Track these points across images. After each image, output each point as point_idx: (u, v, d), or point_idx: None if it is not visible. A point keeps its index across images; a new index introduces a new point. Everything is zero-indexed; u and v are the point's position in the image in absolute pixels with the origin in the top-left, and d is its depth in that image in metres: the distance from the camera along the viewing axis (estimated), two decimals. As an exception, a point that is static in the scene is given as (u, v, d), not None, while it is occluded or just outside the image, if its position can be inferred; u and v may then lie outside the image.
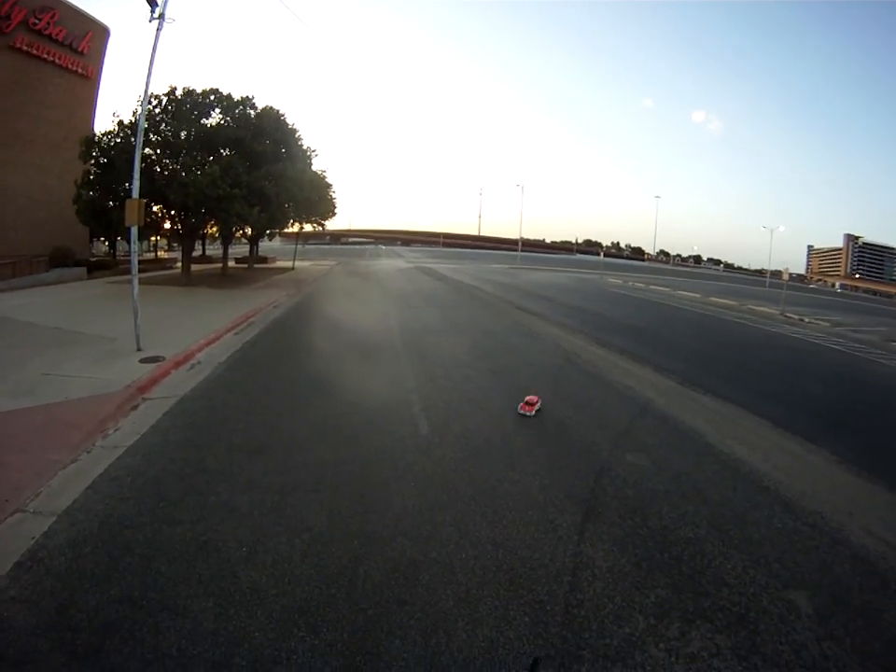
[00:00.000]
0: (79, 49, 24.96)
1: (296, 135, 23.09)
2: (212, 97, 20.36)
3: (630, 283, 35.55)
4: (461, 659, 2.56)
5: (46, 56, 23.29)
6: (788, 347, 13.69)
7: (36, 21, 22.46)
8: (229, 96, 20.74)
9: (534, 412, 6.09)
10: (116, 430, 5.64)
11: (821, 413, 7.39)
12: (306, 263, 36.94)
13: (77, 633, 2.71)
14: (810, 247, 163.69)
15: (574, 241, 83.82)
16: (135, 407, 6.47)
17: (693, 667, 2.57)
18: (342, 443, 5.24)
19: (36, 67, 23.06)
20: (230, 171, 17.72)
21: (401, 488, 4.28)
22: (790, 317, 21.11)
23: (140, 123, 10.12)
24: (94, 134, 20.01)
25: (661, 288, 31.88)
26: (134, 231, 9.53)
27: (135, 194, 9.48)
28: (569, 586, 3.04)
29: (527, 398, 6.31)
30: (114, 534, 3.62)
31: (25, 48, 22.23)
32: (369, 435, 5.48)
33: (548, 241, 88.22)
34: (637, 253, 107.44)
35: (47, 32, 23.08)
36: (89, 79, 26.30)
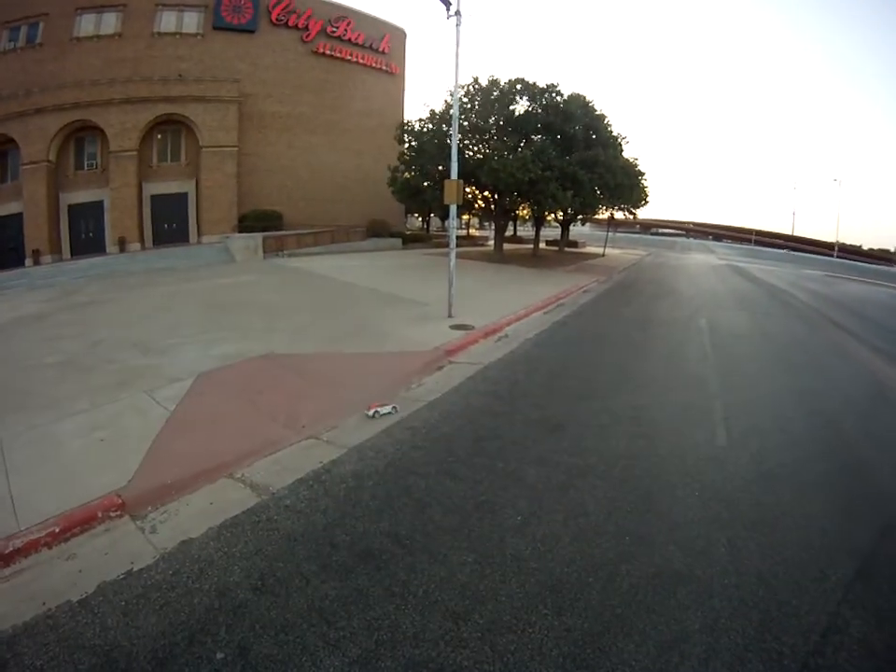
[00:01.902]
0: (380, 49, 29.50)
1: (604, 122, 22.46)
2: (518, 86, 21.04)
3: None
4: (685, 684, 2.36)
5: (349, 58, 28.27)
6: None
7: (334, 29, 27.44)
8: (534, 84, 21.12)
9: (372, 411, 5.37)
10: (419, 385, 6.31)
11: None
12: (616, 251, 35.75)
13: (335, 549, 3.17)
14: None
15: (893, 250, 59.67)
16: (440, 368, 7.06)
17: None
18: (637, 437, 5.04)
19: (342, 67, 28.11)
20: (541, 155, 18.12)
21: (685, 496, 4.00)
22: None
23: (455, 112, 10.81)
24: (407, 122, 23.10)
25: None
26: (453, 208, 10.40)
27: (454, 175, 10.24)
28: (814, 647, 2.61)
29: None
30: (397, 476, 4.10)
31: (328, 52, 27.36)
32: (664, 433, 5.21)
33: (865, 247, 64.98)
34: None
35: (346, 37, 27.91)
36: (394, 75, 30.87)
